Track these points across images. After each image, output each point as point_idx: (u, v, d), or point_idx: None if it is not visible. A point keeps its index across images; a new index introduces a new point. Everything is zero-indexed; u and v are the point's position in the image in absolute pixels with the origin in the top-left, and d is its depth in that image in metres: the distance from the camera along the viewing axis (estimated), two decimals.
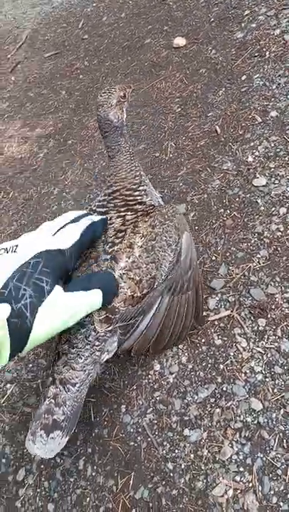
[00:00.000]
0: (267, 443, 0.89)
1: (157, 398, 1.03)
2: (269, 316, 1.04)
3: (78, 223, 0.85)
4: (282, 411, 0.91)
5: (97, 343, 0.89)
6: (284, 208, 1.20)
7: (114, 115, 0.98)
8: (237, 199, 1.29)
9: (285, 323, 1.02)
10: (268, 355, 0.99)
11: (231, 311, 1.09)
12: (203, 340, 1.07)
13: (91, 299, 0.76)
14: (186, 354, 1.07)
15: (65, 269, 0.76)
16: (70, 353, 0.88)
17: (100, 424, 1.05)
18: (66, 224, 0.83)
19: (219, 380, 1.00)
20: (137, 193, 1.01)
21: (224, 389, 0.98)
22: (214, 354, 1.04)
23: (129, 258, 0.90)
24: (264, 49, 1.65)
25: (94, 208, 1.03)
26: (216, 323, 1.09)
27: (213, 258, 1.20)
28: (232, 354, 1.03)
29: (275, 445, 0.88)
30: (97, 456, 1.01)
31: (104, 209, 1.01)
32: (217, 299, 1.12)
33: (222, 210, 1.29)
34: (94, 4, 2.69)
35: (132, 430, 1.01)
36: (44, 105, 2.27)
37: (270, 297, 1.07)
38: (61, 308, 0.70)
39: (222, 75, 1.71)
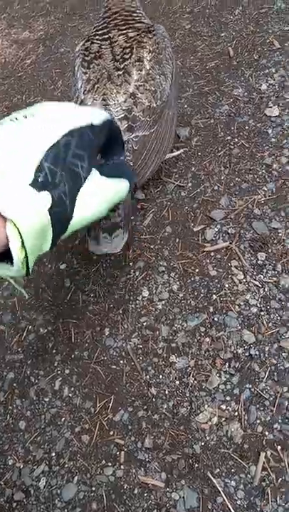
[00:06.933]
0: (257, 375, 0.86)
1: (144, 323, 0.97)
2: (270, 250, 0.99)
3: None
4: (275, 345, 0.88)
5: None
6: None
7: None
8: (246, 127, 1.19)
9: (287, 258, 0.96)
10: (265, 290, 0.94)
11: (230, 243, 1.02)
12: (196, 270, 1.01)
13: (122, 186, 0.71)
14: (178, 283, 1.01)
15: (97, 148, 0.65)
16: None
17: (81, 346, 0.99)
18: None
19: (211, 310, 0.95)
20: (135, 14, 1.05)
21: (215, 319, 0.94)
22: (208, 284, 0.99)
23: (140, 71, 0.95)
24: None
25: (94, 32, 1.04)
26: (212, 254, 1.03)
27: (215, 188, 1.12)
28: (227, 286, 0.97)
29: (265, 377, 0.85)
30: (75, 377, 0.96)
31: (106, 29, 1.03)
32: (216, 230, 1.05)
33: (229, 137, 1.19)
34: None
35: (114, 354, 0.96)
36: (34, 6, 2.01)
37: (272, 232, 1.01)
38: (98, 196, 0.64)
39: None
